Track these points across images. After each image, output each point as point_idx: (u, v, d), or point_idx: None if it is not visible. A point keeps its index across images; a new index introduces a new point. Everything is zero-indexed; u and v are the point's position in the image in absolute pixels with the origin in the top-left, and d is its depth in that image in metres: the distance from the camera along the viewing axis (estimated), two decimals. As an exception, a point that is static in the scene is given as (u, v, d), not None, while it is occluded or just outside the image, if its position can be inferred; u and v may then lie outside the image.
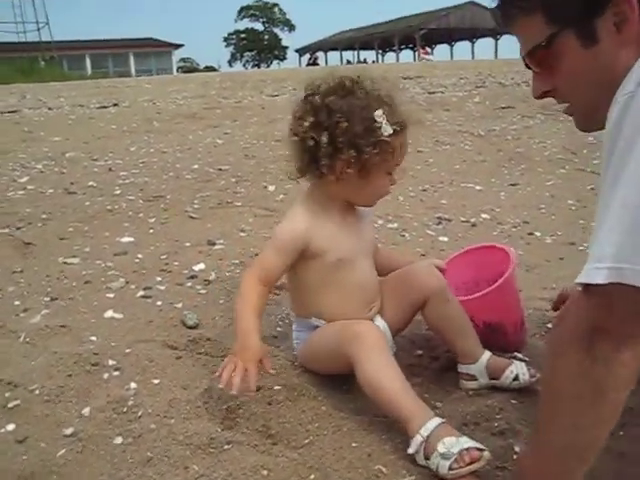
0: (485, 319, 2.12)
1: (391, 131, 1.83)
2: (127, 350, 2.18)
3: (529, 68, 1.43)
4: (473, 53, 55.29)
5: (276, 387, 1.98)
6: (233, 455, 1.66)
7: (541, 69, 1.40)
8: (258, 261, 1.99)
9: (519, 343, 2.24)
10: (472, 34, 54.48)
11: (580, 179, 4.91)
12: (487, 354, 2.03)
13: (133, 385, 1.97)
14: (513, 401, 1.94)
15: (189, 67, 62.36)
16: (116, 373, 2.04)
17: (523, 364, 2.01)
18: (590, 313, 1.17)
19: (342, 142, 1.82)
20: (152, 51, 54.54)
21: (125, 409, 1.85)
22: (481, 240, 3.50)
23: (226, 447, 1.69)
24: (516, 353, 2.19)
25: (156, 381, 2.00)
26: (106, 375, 2.03)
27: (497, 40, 54.39)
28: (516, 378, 1.97)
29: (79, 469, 1.62)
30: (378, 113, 1.82)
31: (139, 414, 1.83)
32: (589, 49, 1.27)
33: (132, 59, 52.09)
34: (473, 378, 2.02)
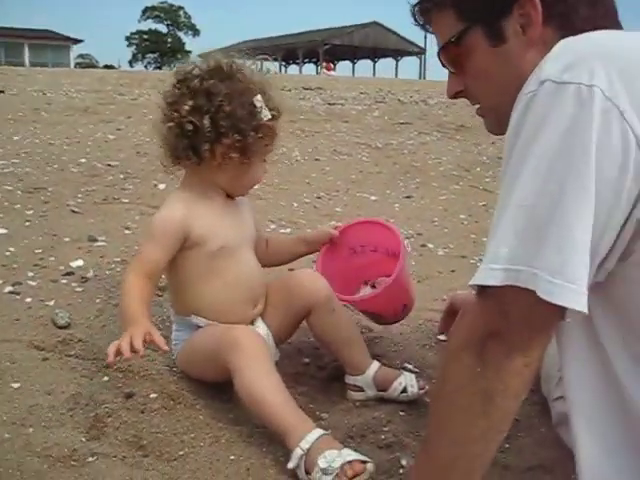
0: (367, 309, 2.12)
1: (270, 116, 1.80)
2: (-15, 350, 1.96)
3: (444, 66, 1.45)
4: (374, 71, 56.57)
5: (151, 395, 1.84)
6: (97, 468, 1.52)
7: (453, 67, 1.42)
8: (138, 255, 1.86)
9: (398, 321, 2.28)
10: (374, 53, 55.84)
11: (473, 195, 5.01)
12: (375, 365, 1.96)
13: (-12, 389, 1.77)
14: (401, 413, 1.88)
15: (87, 64, 60.24)
16: (-31, 376, 1.83)
17: (413, 376, 1.96)
18: (484, 317, 1.12)
19: (225, 126, 1.77)
20: (49, 44, 52.51)
21: (-25, 416, 1.65)
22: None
23: (90, 459, 1.55)
24: (406, 364, 2.15)
25: (16, 385, 1.81)
26: (-43, 378, 1.82)
27: (398, 61, 56.12)
28: (404, 390, 1.92)
29: None
30: (258, 98, 1.80)
31: (-8, 422, 1.63)
32: (497, 48, 1.30)
33: (27, 50, 49.88)
34: (360, 389, 1.95)
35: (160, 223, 1.84)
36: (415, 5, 1.45)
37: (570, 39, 1.11)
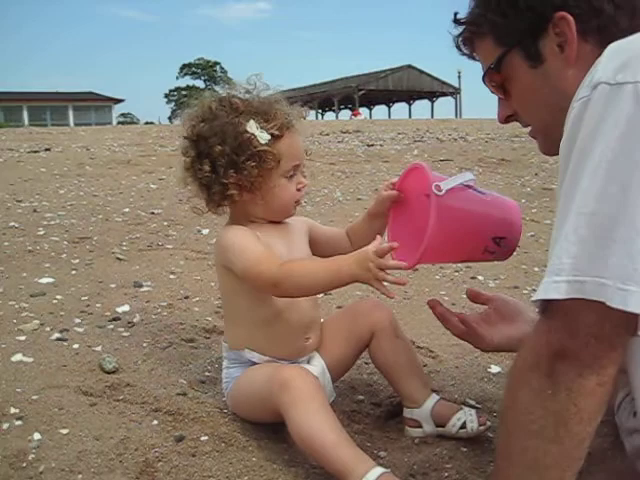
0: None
1: (268, 137, 1.75)
2: (34, 397, 1.93)
3: (492, 92, 1.48)
4: (410, 113, 56.95)
5: (202, 437, 1.78)
6: (149, 514, 1.45)
7: (499, 92, 1.45)
8: (256, 262, 1.71)
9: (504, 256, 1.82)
10: (409, 96, 56.32)
11: (520, 227, 4.89)
12: (434, 398, 1.88)
13: (37, 436, 1.72)
14: (464, 449, 1.78)
15: (129, 122, 61.96)
16: (18, 422, 1.79)
17: (473, 411, 1.85)
18: (550, 336, 1.06)
19: (221, 165, 1.75)
20: (92, 105, 54.39)
21: (24, 464, 1.60)
22: (423, 285, 3.40)
23: (141, 505, 1.48)
24: (467, 399, 2.04)
25: (64, 431, 1.76)
26: (6, 425, 1.77)
27: (433, 102, 56.37)
28: (463, 426, 1.82)
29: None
30: (250, 124, 1.75)
31: (40, 469, 1.58)
32: (536, 69, 1.33)
33: (71, 112, 51.65)
34: (418, 424, 1.86)
35: (237, 235, 1.79)
36: (457, 36, 1.49)
37: (618, 42, 1.08)
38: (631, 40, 1.07)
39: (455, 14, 1.47)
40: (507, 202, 1.83)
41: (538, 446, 1.08)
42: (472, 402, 2.04)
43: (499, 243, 1.76)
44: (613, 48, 1.07)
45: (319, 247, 1.99)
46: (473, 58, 1.51)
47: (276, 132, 1.76)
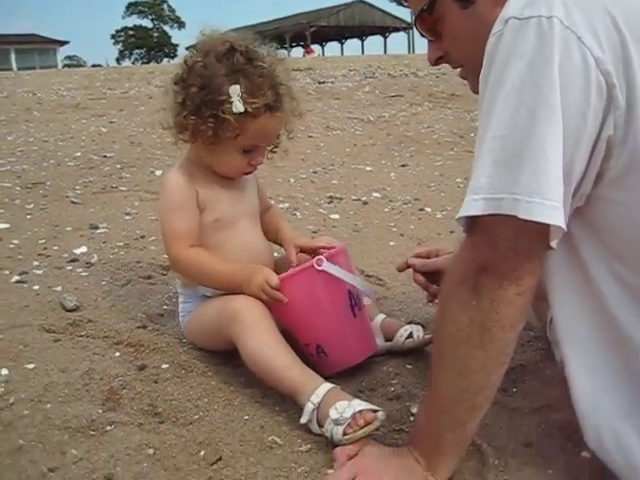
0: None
1: (241, 110, 1.72)
2: (-2, 336, 2.00)
3: (423, 36, 1.50)
4: (363, 49, 56.32)
5: (163, 365, 1.89)
6: (116, 436, 1.55)
7: (430, 34, 1.48)
8: (170, 235, 1.86)
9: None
10: (362, 32, 55.54)
11: (468, 159, 5.01)
12: (381, 316, 2.01)
13: (4, 372, 1.80)
14: (409, 366, 1.91)
15: (75, 64, 59.89)
16: (-16, 360, 1.86)
17: (419, 326, 1.99)
18: (474, 251, 1.17)
19: (189, 105, 1.76)
20: (35, 48, 52.27)
21: (-6, 396, 1.68)
22: (372, 217, 3.52)
23: (108, 428, 1.58)
24: (413, 320, 2.18)
25: (31, 366, 1.84)
26: (-28, 363, 1.85)
27: (386, 38, 55.70)
28: (410, 336, 1.95)
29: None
30: (233, 89, 1.72)
31: (10, 401, 1.66)
32: (467, 9, 1.36)
33: (13, 56, 49.62)
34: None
35: (173, 192, 1.87)
36: None
37: None
38: None
39: None
40: (353, 344, 1.85)
41: (466, 352, 1.19)
42: (417, 320, 2.16)
43: (319, 353, 1.83)
44: None
45: None
46: (402, 4, 1.54)
47: (251, 110, 1.72)
